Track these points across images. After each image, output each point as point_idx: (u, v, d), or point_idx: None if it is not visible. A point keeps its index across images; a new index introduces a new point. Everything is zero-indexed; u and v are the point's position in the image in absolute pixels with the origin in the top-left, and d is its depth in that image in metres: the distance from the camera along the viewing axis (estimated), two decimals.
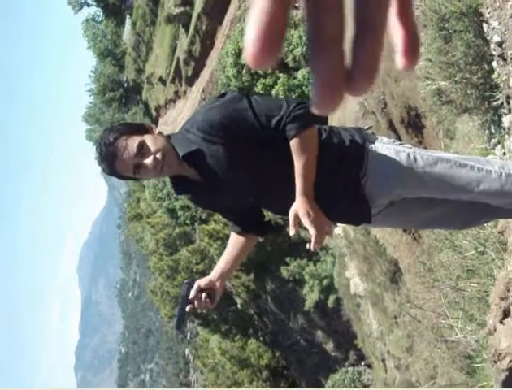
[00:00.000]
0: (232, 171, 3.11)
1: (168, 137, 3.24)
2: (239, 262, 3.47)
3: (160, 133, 3.24)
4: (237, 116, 3.03)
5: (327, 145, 3.17)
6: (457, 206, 3.45)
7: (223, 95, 3.17)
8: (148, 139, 3.12)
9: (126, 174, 3.17)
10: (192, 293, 3.07)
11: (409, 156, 3.19)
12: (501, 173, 3.23)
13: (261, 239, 3.46)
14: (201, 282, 3.12)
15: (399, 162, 3.17)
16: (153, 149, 3.09)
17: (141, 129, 3.19)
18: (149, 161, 3.08)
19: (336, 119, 14.36)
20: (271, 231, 3.31)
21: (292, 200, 2.98)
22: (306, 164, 2.94)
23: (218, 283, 3.16)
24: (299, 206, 2.93)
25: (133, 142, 3.08)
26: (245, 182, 3.16)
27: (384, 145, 3.25)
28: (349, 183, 3.18)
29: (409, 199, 3.34)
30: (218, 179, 3.15)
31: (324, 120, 3.43)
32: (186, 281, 3.13)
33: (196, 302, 3.09)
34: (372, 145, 3.23)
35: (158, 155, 3.09)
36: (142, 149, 3.08)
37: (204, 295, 3.10)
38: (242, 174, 3.13)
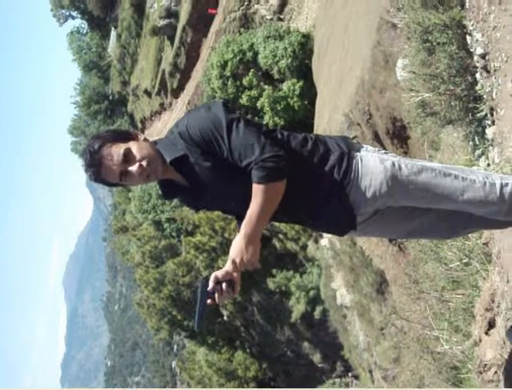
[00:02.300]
0: (213, 179, 3.14)
1: (154, 143, 3.25)
2: None
3: (146, 140, 3.24)
4: (213, 140, 3.06)
5: (313, 154, 3.20)
6: (441, 216, 3.46)
7: (212, 105, 3.17)
8: (133, 146, 3.13)
9: (112, 181, 3.18)
10: (210, 284, 3.03)
11: (393, 164, 3.21)
12: (485, 183, 3.24)
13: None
14: (218, 274, 3.07)
15: (384, 171, 3.18)
16: (138, 156, 3.10)
17: (127, 136, 3.20)
18: (134, 168, 3.10)
19: (321, 131, 14.39)
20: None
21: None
22: (256, 211, 3.01)
23: (235, 274, 3.10)
24: (237, 253, 3.05)
25: (119, 149, 3.09)
26: (226, 191, 3.19)
27: (369, 154, 3.26)
28: (334, 190, 3.19)
29: (393, 208, 3.34)
30: (202, 184, 3.17)
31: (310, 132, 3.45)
32: (203, 277, 3.08)
33: (217, 295, 3.04)
34: (357, 154, 3.25)
35: (144, 162, 3.09)
36: (127, 157, 3.09)
37: (225, 285, 3.06)
38: (222, 183, 3.16)
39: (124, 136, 3.18)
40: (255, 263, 3.07)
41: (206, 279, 3.07)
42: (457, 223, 3.53)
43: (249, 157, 2.98)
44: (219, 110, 3.09)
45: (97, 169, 3.10)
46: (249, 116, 22.79)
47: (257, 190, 2.99)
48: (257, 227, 3.03)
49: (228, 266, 3.09)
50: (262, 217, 3.03)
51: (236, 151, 3.02)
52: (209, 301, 3.04)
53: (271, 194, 3.00)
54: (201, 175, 3.13)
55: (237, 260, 3.05)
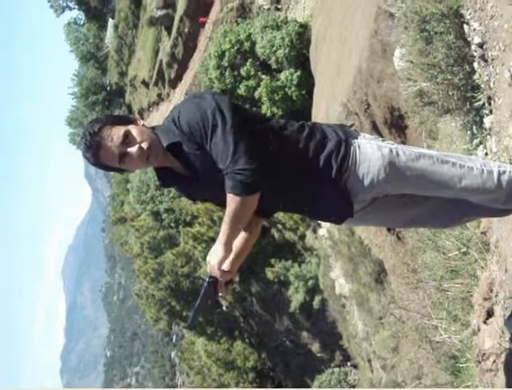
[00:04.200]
0: (204, 167, 3.11)
1: (153, 128, 3.22)
2: (243, 249, 3.38)
3: (144, 125, 3.21)
4: (199, 136, 3.04)
5: (309, 141, 3.18)
6: (439, 205, 3.45)
7: (204, 99, 3.11)
8: (133, 129, 3.10)
9: (111, 164, 3.13)
10: (220, 291, 3.21)
11: (391, 151, 3.20)
12: (483, 170, 3.24)
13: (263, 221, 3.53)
14: (224, 276, 3.21)
15: (381, 157, 3.17)
16: (138, 138, 3.08)
17: (127, 120, 3.18)
18: (134, 150, 3.06)
19: (319, 120, 14.36)
20: (261, 216, 3.48)
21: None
22: (226, 220, 3.04)
23: (234, 272, 3.26)
24: (216, 262, 3.11)
25: (118, 131, 3.06)
26: (217, 180, 3.11)
27: (366, 141, 3.25)
28: (331, 178, 3.18)
29: (392, 196, 3.33)
30: (197, 172, 3.15)
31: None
32: (210, 280, 3.19)
33: (222, 292, 3.23)
34: (355, 141, 3.23)
35: (144, 144, 3.07)
36: (127, 139, 3.06)
37: (230, 285, 3.28)
38: (213, 171, 3.10)
39: (124, 120, 3.17)
40: (228, 275, 3.19)
41: (214, 281, 3.19)
42: (455, 211, 3.53)
43: (223, 163, 2.96)
44: (209, 108, 3.04)
45: (96, 151, 3.06)
46: (246, 107, 22.75)
47: (228, 199, 3.01)
48: (228, 234, 3.09)
49: (226, 267, 3.21)
50: (232, 226, 3.07)
51: (214, 152, 3.01)
52: (210, 302, 3.21)
53: (238, 206, 3.01)
54: (195, 163, 3.12)
55: (216, 267, 3.14)
